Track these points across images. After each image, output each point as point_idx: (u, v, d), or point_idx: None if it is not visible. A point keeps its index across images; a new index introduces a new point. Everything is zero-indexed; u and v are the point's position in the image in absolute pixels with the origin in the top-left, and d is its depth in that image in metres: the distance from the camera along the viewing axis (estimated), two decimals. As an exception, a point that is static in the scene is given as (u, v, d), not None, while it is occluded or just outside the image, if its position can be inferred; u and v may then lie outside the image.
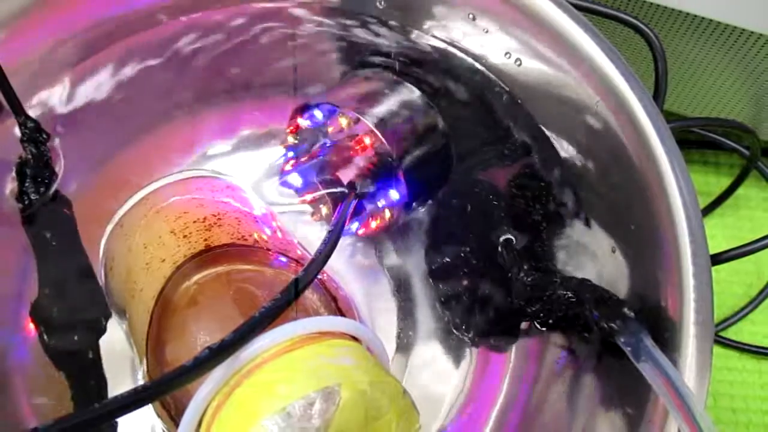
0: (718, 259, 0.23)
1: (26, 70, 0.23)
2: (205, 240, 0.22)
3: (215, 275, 0.21)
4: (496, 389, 0.26)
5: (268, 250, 0.22)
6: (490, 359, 0.27)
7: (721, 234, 0.31)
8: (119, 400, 0.15)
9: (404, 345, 0.27)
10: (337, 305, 0.22)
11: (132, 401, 0.15)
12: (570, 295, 0.21)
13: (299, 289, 0.19)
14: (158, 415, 0.21)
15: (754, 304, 0.30)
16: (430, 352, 0.27)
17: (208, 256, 0.21)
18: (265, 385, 0.16)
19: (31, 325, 0.24)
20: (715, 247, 0.24)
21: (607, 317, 0.19)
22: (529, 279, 0.22)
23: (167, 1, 0.24)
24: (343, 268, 0.27)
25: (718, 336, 0.30)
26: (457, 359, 0.27)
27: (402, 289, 0.28)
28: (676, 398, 0.16)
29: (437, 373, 0.27)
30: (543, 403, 0.24)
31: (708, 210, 0.32)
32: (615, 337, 0.19)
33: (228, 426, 0.16)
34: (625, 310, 0.19)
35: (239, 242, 0.22)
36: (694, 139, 0.33)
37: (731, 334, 0.30)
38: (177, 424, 0.18)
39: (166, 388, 0.16)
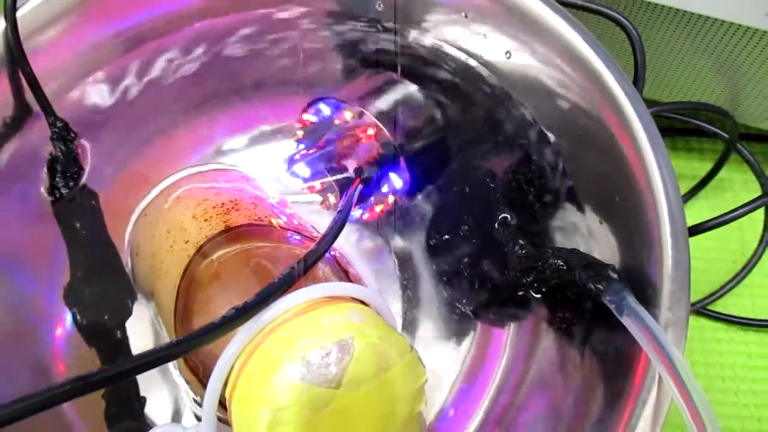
0: (698, 229, 0.25)
1: (63, 71, 0.26)
2: (225, 222, 0.24)
3: (235, 252, 0.23)
4: (494, 367, 0.28)
5: (283, 229, 0.24)
6: (490, 337, 0.28)
7: (707, 215, 0.33)
8: (160, 350, 0.17)
9: (409, 322, 0.29)
10: (348, 278, 0.24)
11: (169, 353, 0.17)
12: (561, 263, 0.23)
13: (314, 260, 0.21)
14: (187, 381, 0.22)
15: (738, 278, 0.32)
16: (433, 329, 0.29)
17: (228, 235, 0.23)
18: (286, 340, 0.18)
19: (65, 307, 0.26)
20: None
21: (593, 279, 0.21)
22: (523, 252, 0.24)
23: (199, 5, 0.26)
24: (351, 251, 0.29)
25: (707, 309, 0.32)
26: (460, 337, 0.29)
27: (406, 270, 0.30)
28: (655, 345, 0.18)
29: (440, 351, 0.29)
30: (537, 378, 0.26)
31: (693, 193, 0.34)
32: (601, 297, 0.21)
33: (254, 376, 0.18)
34: (610, 272, 0.21)
35: (256, 222, 0.24)
36: (679, 127, 0.35)
37: (719, 307, 0.32)
38: (204, 385, 0.20)
39: (198, 342, 0.18)
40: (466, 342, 0.28)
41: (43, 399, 0.15)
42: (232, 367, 0.19)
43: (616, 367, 0.21)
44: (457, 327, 0.28)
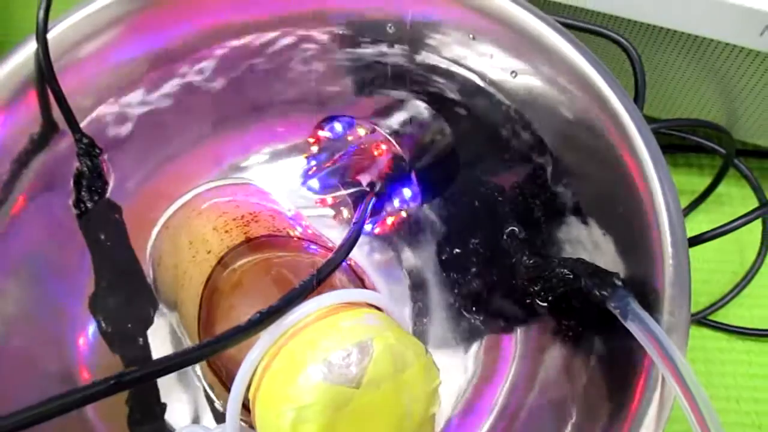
0: (697, 240, 0.26)
1: (91, 89, 0.27)
2: (245, 233, 0.25)
3: (255, 262, 0.24)
4: (502, 377, 0.28)
5: (301, 239, 0.25)
6: (498, 347, 0.29)
7: (707, 228, 0.34)
8: (189, 351, 0.18)
9: (419, 332, 0.30)
10: (364, 285, 0.25)
11: (199, 354, 0.18)
12: (567, 272, 0.24)
13: (331, 268, 0.22)
14: (211, 386, 0.23)
15: (737, 289, 0.33)
16: (442, 340, 0.30)
17: (248, 246, 0.24)
18: (308, 342, 0.19)
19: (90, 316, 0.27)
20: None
21: (599, 287, 0.22)
22: (531, 262, 0.25)
23: (223, 25, 0.27)
24: (363, 263, 0.30)
25: (708, 320, 0.33)
26: (468, 347, 0.29)
27: (416, 281, 0.31)
28: (658, 348, 0.19)
29: (449, 361, 0.29)
30: (545, 386, 0.27)
31: (693, 206, 0.35)
32: (606, 303, 0.22)
33: (278, 376, 0.19)
34: (615, 279, 0.22)
35: (275, 233, 0.25)
36: (679, 143, 0.36)
37: (720, 317, 0.33)
38: (228, 389, 0.20)
39: (224, 345, 0.19)
40: (474, 352, 0.29)
41: (81, 397, 0.16)
42: (255, 370, 0.20)
43: (622, 370, 0.22)
44: (465, 337, 0.29)
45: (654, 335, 0.19)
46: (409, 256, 0.31)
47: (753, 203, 0.35)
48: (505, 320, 0.28)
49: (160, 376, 0.18)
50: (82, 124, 0.27)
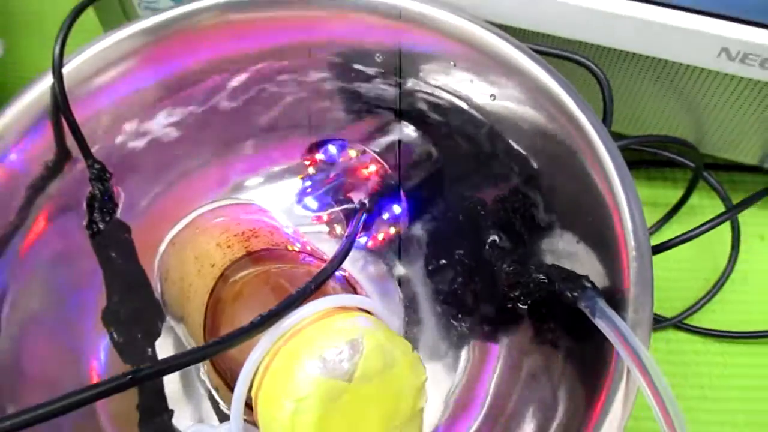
0: (666, 245, 0.28)
1: (103, 116, 0.29)
2: (246, 247, 0.27)
3: (256, 273, 0.26)
4: (487, 381, 0.30)
5: (298, 252, 0.27)
6: (484, 354, 0.31)
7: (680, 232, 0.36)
8: (198, 349, 0.20)
9: (410, 340, 0.31)
10: (356, 293, 0.27)
11: (206, 353, 0.20)
12: (543, 277, 0.26)
13: (325, 277, 0.24)
14: (216, 389, 0.25)
15: (710, 294, 0.35)
16: (432, 348, 0.32)
17: (249, 259, 0.26)
18: (305, 341, 0.21)
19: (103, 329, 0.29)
20: (678, 250, 0.30)
21: (570, 289, 0.24)
22: (510, 268, 0.27)
23: (227, 56, 0.30)
24: (357, 276, 0.32)
25: (684, 324, 0.34)
26: (456, 355, 0.31)
27: (407, 292, 0.33)
28: (623, 341, 0.21)
29: (437, 368, 0.31)
30: (527, 386, 0.29)
31: (668, 218, 0.37)
32: (578, 303, 0.23)
33: (278, 373, 0.21)
34: (584, 282, 0.24)
35: (273, 247, 0.27)
36: (653, 159, 0.38)
37: (695, 321, 0.35)
38: (232, 389, 0.22)
39: (229, 344, 0.20)
40: (463, 358, 0.31)
41: (102, 390, 0.18)
42: (257, 369, 0.22)
43: (593, 366, 0.24)
44: (454, 344, 0.31)
45: (620, 330, 0.21)
46: (400, 268, 0.33)
47: (716, 211, 0.37)
48: (490, 326, 0.30)
49: (171, 372, 0.20)
50: (94, 149, 0.29)
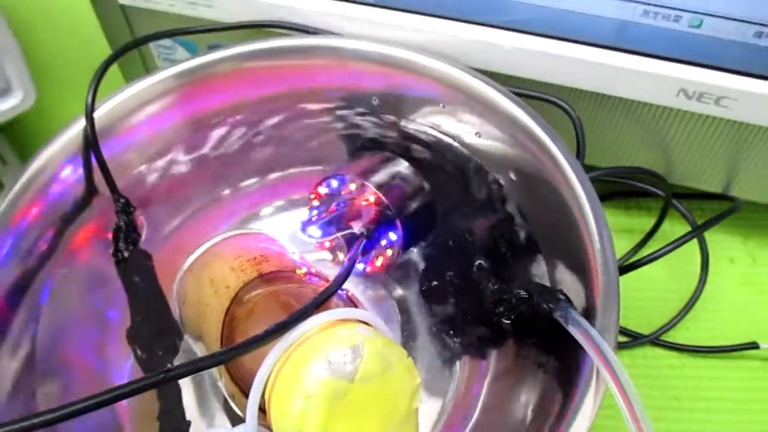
0: (635, 264, 0.31)
1: (131, 154, 0.33)
2: (257, 270, 0.30)
3: (267, 293, 0.29)
4: (479, 392, 0.33)
5: (304, 274, 0.30)
6: (475, 368, 0.34)
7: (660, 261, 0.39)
8: (217, 354, 0.23)
9: (408, 357, 0.34)
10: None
11: (225, 357, 0.23)
12: (523, 292, 0.29)
13: (329, 294, 0.27)
14: (231, 396, 0.28)
15: (683, 313, 0.38)
16: (428, 363, 0.34)
17: (260, 280, 0.29)
18: (312, 347, 0.24)
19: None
20: (653, 270, 0.33)
21: (547, 301, 0.27)
22: (495, 287, 0.30)
23: (245, 99, 0.34)
24: (359, 298, 0.35)
25: (661, 340, 0.37)
26: (450, 367, 0.34)
27: (404, 313, 0.35)
28: (592, 344, 0.24)
29: (432, 385, 0.34)
30: (514, 397, 0.31)
31: (642, 243, 0.40)
32: (553, 314, 0.26)
33: (289, 376, 0.24)
34: (559, 295, 0.27)
35: (283, 269, 0.30)
36: (629, 190, 0.41)
37: (670, 338, 0.37)
38: (247, 395, 0.25)
39: (246, 350, 0.23)
40: (455, 373, 0.34)
41: (139, 386, 0.21)
42: (270, 374, 0.24)
43: (567, 371, 0.26)
44: (447, 359, 0.34)
45: (589, 334, 0.24)
46: (397, 290, 0.36)
47: (691, 241, 0.40)
48: (479, 342, 0.33)
49: (197, 372, 0.23)
50: (120, 185, 0.32)
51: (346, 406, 0.23)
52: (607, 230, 0.28)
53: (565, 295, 0.27)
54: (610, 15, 0.32)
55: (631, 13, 0.31)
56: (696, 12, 0.30)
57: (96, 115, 0.32)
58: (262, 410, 0.25)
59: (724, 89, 0.32)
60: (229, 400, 0.28)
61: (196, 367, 0.22)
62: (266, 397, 0.25)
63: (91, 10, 0.41)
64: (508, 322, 0.31)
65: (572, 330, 0.25)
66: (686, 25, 0.31)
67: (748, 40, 0.31)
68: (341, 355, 0.23)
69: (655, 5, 0.31)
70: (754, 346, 0.36)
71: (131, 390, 0.21)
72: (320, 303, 0.26)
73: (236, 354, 0.23)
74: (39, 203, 0.30)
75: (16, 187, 0.29)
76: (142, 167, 0.34)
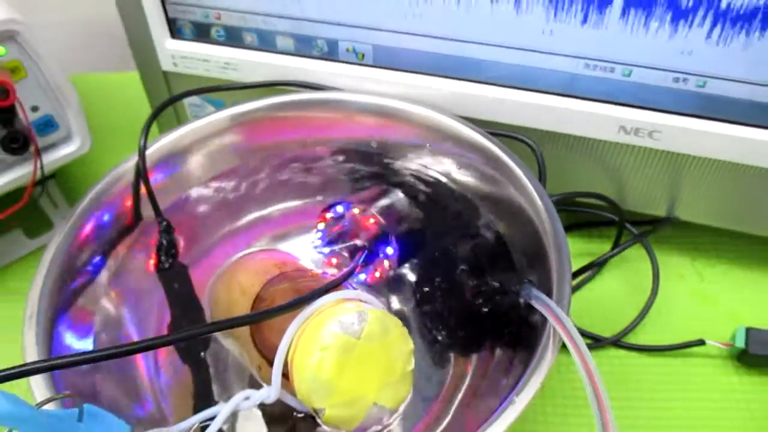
0: (584, 269, 0.38)
1: (169, 186, 0.40)
2: (279, 269, 0.36)
3: (287, 285, 0.35)
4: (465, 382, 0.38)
5: (318, 274, 0.37)
6: (463, 363, 0.39)
7: (619, 276, 0.46)
8: (248, 316, 0.29)
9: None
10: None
11: (251, 320, 0.29)
12: (496, 283, 0.35)
13: (337, 283, 0.33)
14: (258, 368, 0.34)
15: (640, 317, 0.44)
16: (422, 360, 0.40)
17: (282, 276, 0.36)
18: (326, 315, 0.30)
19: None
20: (613, 285, 0.40)
21: (515, 286, 0.33)
22: (473, 283, 0.37)
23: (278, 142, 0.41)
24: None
25: (623, 342, 0.43)
26: (443, 363, 0.40)
27: (400, 316, 0.41)
28: (550, 311, 0.30)
29: (423, 381, 0.39)
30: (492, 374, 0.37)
31: (604, 263, 0.47)
32: (520, 294, 0.33)
33: (308, 336, 0.29)
34: (525, 280, 0.33)
35: (299, 269, 0.37)
36: (589, 221, 0.48)
37: (631, 339, 0.43)
38: (272, 364, 0.31)
39: (272, 314, 0.30)
40: (447, 369, 0.40)
41: (171, 339, 0.27)
42: (291, 341, 0.30)
43: (532, 343, 0.32)
44: (439, 353, 0.40)
45: (547, 304, 0.30)
46: (393, 298, 0.42)
47: (646, 259, 0.47)
48: (464, 340, 0.39)
49: (225, 329, 0.29)
50: (162, 209, 0.39)
51: (354, 360, 0.29)
52: (562, 232, 0.34)
53: (530, 280, 0.33)
54: (562, 69, 0.40)
55: (576, 66, 0.39)
56: (625, 64, 0.38)
57: (148, 152, 0.39)
58: (285, 377, 0.31)
59: (654, 125, 0.40)
60: (255, 374, 0.34)
61: (230, 323, 0.29)
62: (289, 359, 0.30)
63: (138, 79, 0.49)
64: (486, 310, 0.37)
65: (536, 304, 0.31)
66: (620, 74, 0.39)
67: (669, 85, 0.38)
68: (350, 318, 0.29)
69: (593, 59, 0.39)
70: (701, 342, 0.42)
71: (179, 338, 0.27)
72: (332, 287, 0.32)
73: (261, 318, 0.30)
74: (94, 219, 0.37)
75: (85, 202, 0.36)
76: (180, 198, 0.41)
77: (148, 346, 0.27)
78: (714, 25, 0.35)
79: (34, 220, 0.50)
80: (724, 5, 0.34)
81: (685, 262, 0.48)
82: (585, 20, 0.37)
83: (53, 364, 0.25)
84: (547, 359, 0.29)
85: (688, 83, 0.38)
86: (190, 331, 0.28)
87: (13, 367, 0.24)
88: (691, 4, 0.35)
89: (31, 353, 0.30)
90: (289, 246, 0.44)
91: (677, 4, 0.35)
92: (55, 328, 0.32)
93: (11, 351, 0.30)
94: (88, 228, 0.37)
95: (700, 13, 0.35)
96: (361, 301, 0.32)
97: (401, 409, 0.31)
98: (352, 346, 0.29)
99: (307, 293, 0.31)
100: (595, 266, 0.37)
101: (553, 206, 0.35)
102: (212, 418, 0.27)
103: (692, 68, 0.37)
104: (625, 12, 0.36)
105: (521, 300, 0.33)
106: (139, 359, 0.37)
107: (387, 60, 0.43)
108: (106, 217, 0.38)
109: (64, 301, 0.34)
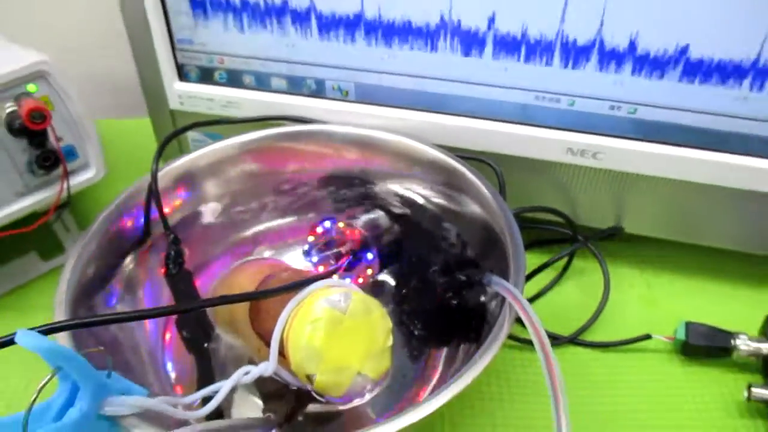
0: (537, 271, 0.44)
1: (178, 204, 0.45)
2: (271, 270, 0.42)
3: (278, 281, 0.40)
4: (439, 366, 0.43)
5: (308, 271, 0.42)
6: (433, 361, 0.44)
7: (575, 286, 0.51)
8: (247, 294, 0.34)
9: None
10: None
11: (249, 297, 0.34)
12: (463, 276, 0.40)
13: (330, 273, 0.38)
14: (257, 350, 0.38)
15: (594, 317, 0.49)
16: (401, 353, 0.45)
17: (273, 275, 0.41)
18: (316, 296, 0.35)
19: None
20: (572, 295, 0.46)
21: (479, 276, 0.39)
22: (443, 279, 0.42)
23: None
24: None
25: (580, 339, 0.48)
26: (419, 356, 0.45)
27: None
28: (509, 291, 0.36)
29: (401, 374, 0.44)
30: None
31: (562, 275, 0.52)
32: (483, 281, 0.38)
33: (300, 316, 0.34)
34: (486, 270, 0.39)
35: (290, 268, 0.42)
36: (548, 238, 0.54)
37: (588, 337, 0.48)
38: (268, 344, 0.36)
39: (270, 294, 0.35)
40: (422, 362, 0.44)
41: (173, 309, 0.32)
42: (286, 321, 0.35)
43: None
44: (416, 348, 0.45)
45: (506, 287, 0.36)
46: (375, 302, 0.47)
47: (599, 271, 0.52)
48: (438, 331, 0.44)
49: (228, 303, 0.34)
50: (170, 223, 0.44)
51: (341, 332, 0.34)
52: (517, 233, 0.40)
53: (491, 270, 0.39)
54: (516, 100, 0.47)
55: (527, 97, 0.46)
56: (568, 95, 0.45)
57: (160, 174, 0.45)
58: (282, 355, 0.36)
59: (597, 146, 0.46)
60: (255, 357, 0.39)
61: (227, 299, 0.34)
62: (284, 336, 0.35)
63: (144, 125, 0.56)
64: (455, 302, 0.42)
65: (497, 288, 0.37)
66: (565, 104, 0.46)
67: (606, 112, 0.45)
68: (337, 296, 0.35)
69: (541, 91, 0.46)
70: (647, 337, 0.47)
71: (190, 308, 0.32)
72: (323, 277, 0.37)
73: (259, 296, 0.35)
74: (116, 228, 0.42)
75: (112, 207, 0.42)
76: (186, 215, 0.46)
77: (159, 312, 0.32)
78: (636, 69, 0.43)
79: (48, 243, 0.55)
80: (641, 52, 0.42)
81: (634, 274, 0.54)
82: (527, 59, 0.44)
83: (79, 322, 0.30)
84: (504, 329, 0.35)
85: (621, 110, 0.45)
86: (201, 302, 0.33)
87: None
88: (621, 50, 0.42)
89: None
90: (283, 257, 0.49)
91: (604, 49, 0.42)
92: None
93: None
94: (108, 237, 0.42)
95: (628, 58, 0.42)
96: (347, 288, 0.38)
97: (382, 382, 0.36)
98: (339, 319, 0.34)
99: (300, 280, 0.36)
100: (548, 266, 0.42)
101: (510, 213, 0.42)
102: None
103: (624, 97, 0.44)
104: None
105: (486, 286, 0.38)
106: (149, 355, 0.42)
107: (368, 96, 0.50)
108: (127, 224, 0.43)
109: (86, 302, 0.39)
